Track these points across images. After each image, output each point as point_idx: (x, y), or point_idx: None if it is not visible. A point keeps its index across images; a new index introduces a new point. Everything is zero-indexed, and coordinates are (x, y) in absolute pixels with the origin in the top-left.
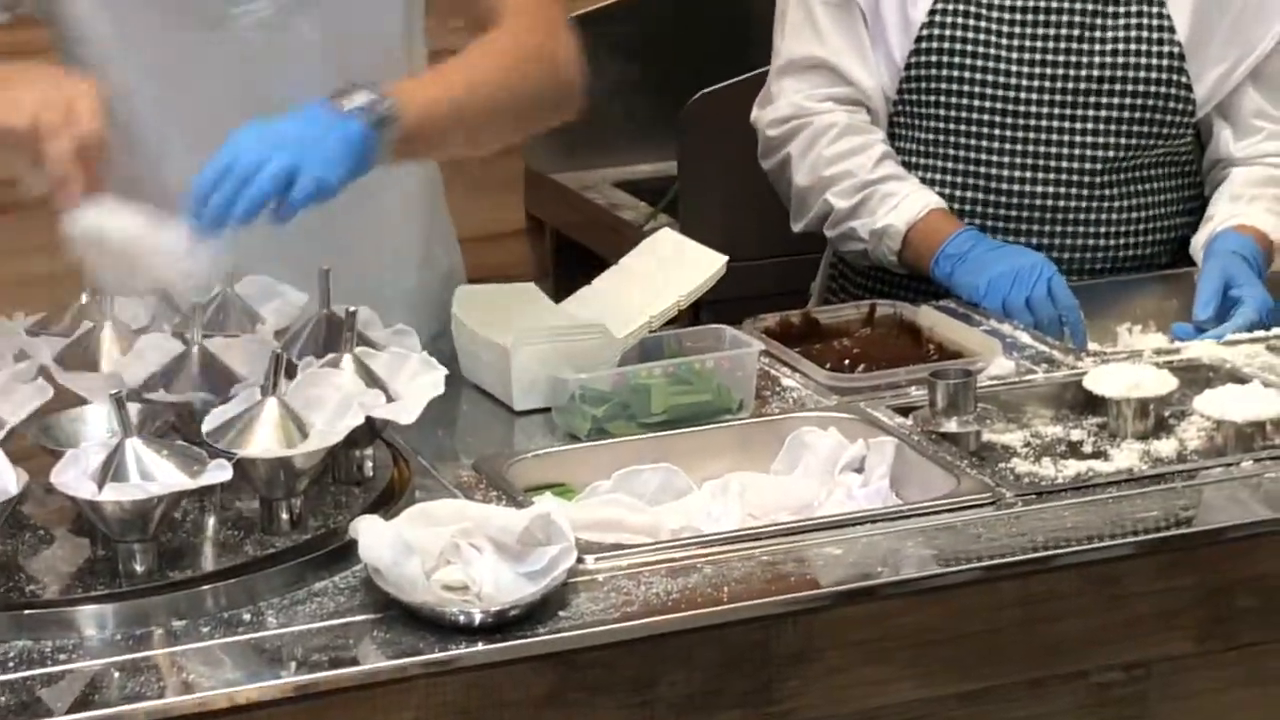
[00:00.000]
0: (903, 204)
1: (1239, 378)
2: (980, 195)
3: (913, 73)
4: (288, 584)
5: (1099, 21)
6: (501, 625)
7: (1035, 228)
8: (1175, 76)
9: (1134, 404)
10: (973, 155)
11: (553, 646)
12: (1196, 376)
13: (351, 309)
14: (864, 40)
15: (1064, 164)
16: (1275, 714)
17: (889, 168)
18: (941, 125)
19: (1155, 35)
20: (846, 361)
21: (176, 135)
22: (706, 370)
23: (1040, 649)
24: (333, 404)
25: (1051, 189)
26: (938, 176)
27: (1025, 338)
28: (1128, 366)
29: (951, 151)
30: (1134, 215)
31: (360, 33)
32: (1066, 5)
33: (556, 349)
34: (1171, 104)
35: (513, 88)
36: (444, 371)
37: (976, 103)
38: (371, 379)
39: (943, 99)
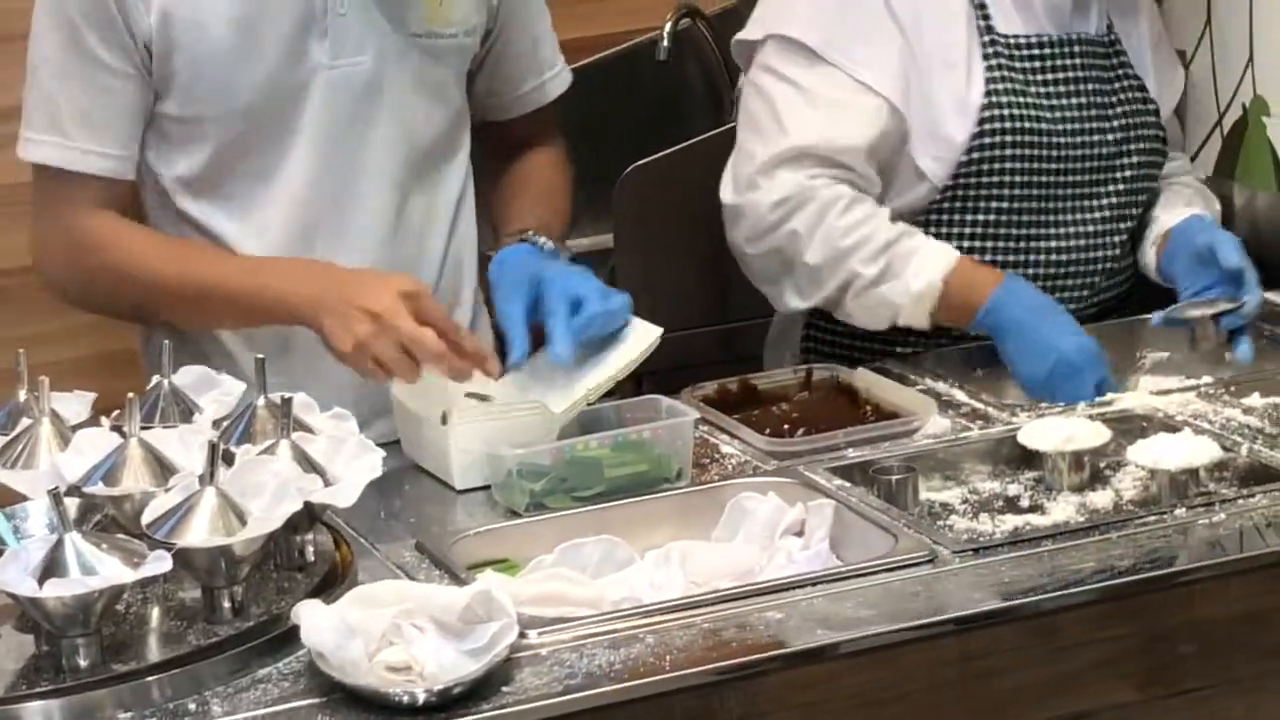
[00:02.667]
0: (929, 262)
1: (1171, 426)
2: (1040, 270)
3: (975, 154)
4: (232, 672)
5: (1107, 86)
6: (445, 704)
7: (1077, 294)
8: (1161, 133)
9: (1069, 457)
10: (1031, 231)
11: None
12: (1130, 427)
13: (287, 395)
14: (888, 127)
15: (1100, 227)
16: None
17: (901, 226)
18: (1006, 205)
19: (1139, 94)
20: (785, 426)
21: (272, 197)
22: (643, 441)
23: (983, 704)
24: (270, 490)
25: (1093, 254)
26: (1000, 257)
27: (960, 395)
28: (1061, 420)
29: (1015, 230)
30: (1122, 265)
31: (435, 91)
32: (1086, 75)
33: (495, 427)
34: (1162, 159)
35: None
36: (381, 454)
37: (1038, 179)
38: (309, 464)
39: (1007, 178)
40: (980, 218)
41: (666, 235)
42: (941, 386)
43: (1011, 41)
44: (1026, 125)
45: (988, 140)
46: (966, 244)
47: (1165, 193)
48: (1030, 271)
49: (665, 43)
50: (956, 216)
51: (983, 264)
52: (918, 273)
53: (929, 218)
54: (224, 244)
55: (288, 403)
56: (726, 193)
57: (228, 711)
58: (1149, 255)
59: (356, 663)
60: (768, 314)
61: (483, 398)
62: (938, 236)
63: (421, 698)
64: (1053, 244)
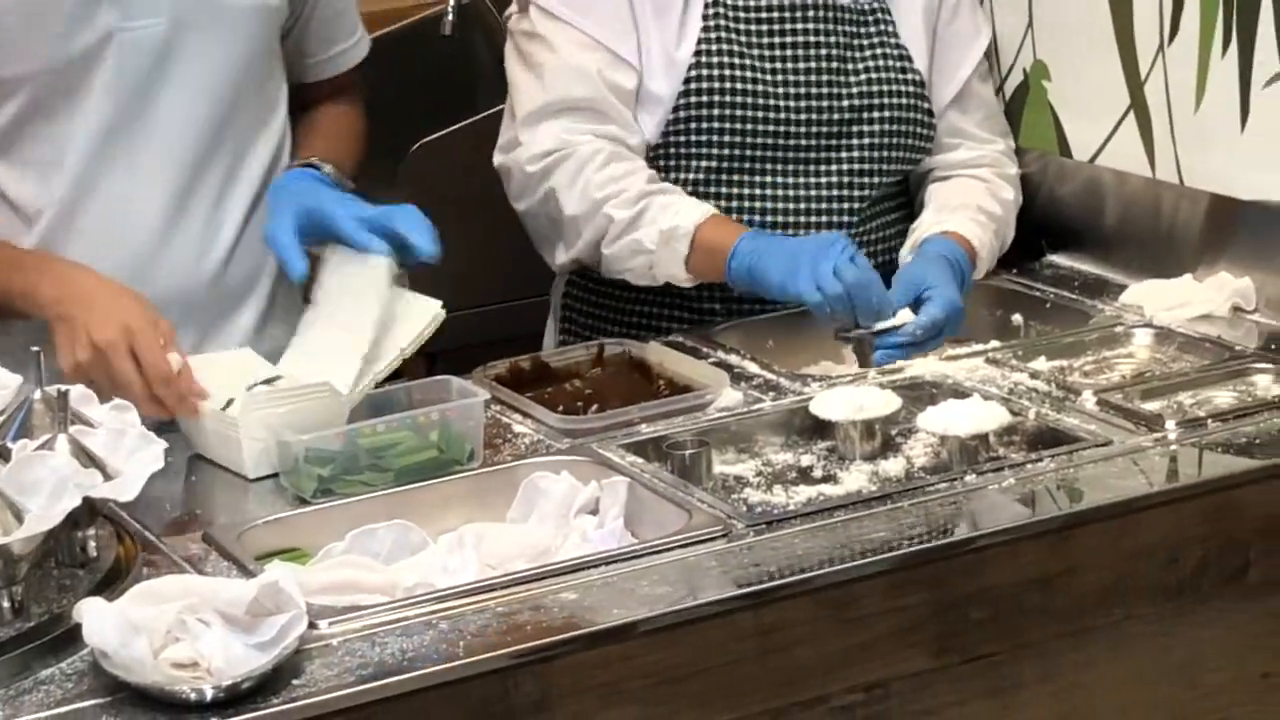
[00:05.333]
0: (684, 209)
1: (960, 392)
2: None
3: (683, 113)
4: (13, 674)
5: (850, 54)
6: (233, 699)
7: None
8: (919, 103)
9: (860, 426)
10: (745, 191)
11: (288, 717)
12: (920, 394)
13: (64, 388)
14: (630, 78)
15: (833, 193)
16: None
17: (662, 184)
18: (714, 165)
19: (898, 64)
20: (579, 403)
21: (63, 156)
22: (432, 422)
23: (779, 678)
24: (48, 487)
25: (823, 219)
26: None
27: (752, 367)
28: (852, 389)
29: (724, 190)
30: (879, 236)
31: (237, 53)
32: (821, 39)
33: (284, 413)
34: (919, 129)
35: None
36: (164, 445)
37: (750, 139)
38: (88, 458)
39: (715, 138)
40: (690, 175)
41: (455, 212)
42: (734, 359)
43: (738, 4)
44: (737, 86)
45: (693, 99)
46: None
47: (942, 190)
48: None
49: (450, 17)
50: (670, 176)
51: (735, 222)
52: (670, 217)
53: None
54: (20, 208)
55: (65, 396)
56: (496, 155)
57: (9, 715)
58: (907, 259)
59: (141, 661)
60: None
61: (270, 380)
62: None
63: (209, 694)
64: (769, 205)
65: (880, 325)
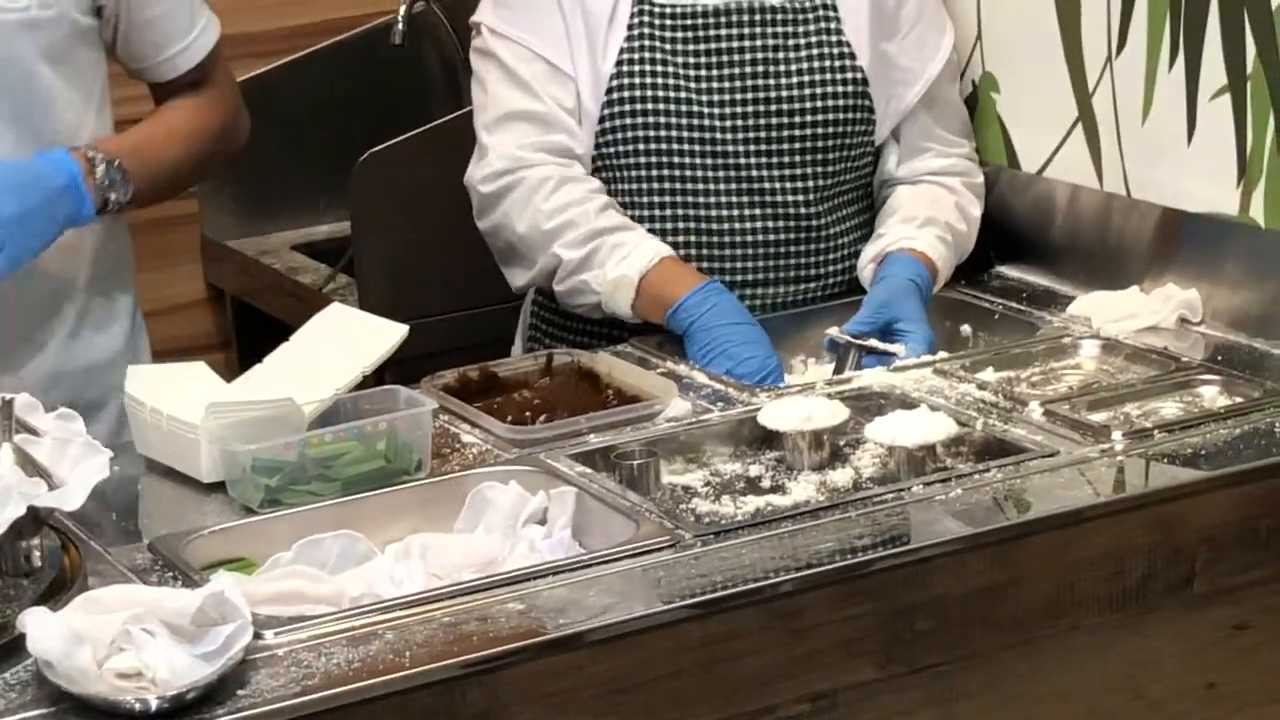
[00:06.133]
0: (633, 254)
1: (908, 403)
2: (694, 238)
3: (608, 124)
4: None
5: (781, 55)
6: (178, 709)
7: (752, 264)
8: (860, 101)
9: (808, 436)
10: (680, 199)
11: None
12: (868, 404)
13: (8, 396)
14: (570, 91)
15: (769, 197)
16: None
17: (613, 217)
18: (644, 174)
19: (838, 63)
20: (528, 413)
21: None
22: (380, 432)
23: (725, 689)
24: None
25: (762, 224)
26: (649, 226)
27: (701, 377)
28: (800, 399)
29: (657, 199)
30: (841, 241)
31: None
32: (748, 44)
33: (247, 422)
34: (858, 128)
35: (191, 162)
36: (108, 454)
37: (676, 146)
38: (33, 467)
39: (641, 147)
40: (623, 186)
41: (406, 221)
42: (682, 369)
43: (665, 11)
44: (659, 95)
45: (615, 110)
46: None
47: (910, 198)
48: (683, 239)
49: (401, 26)
50: (607, 188)
51: (688, 267)
52: (618, 264)
53: None
54: None
55: (9, 404)
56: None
57: None
58: (866, 271)
59: (85, 671)
60: (508, 298)
61: None
62: None
63: (154, 705)
64: (707, 213)
65: (873, 344)
